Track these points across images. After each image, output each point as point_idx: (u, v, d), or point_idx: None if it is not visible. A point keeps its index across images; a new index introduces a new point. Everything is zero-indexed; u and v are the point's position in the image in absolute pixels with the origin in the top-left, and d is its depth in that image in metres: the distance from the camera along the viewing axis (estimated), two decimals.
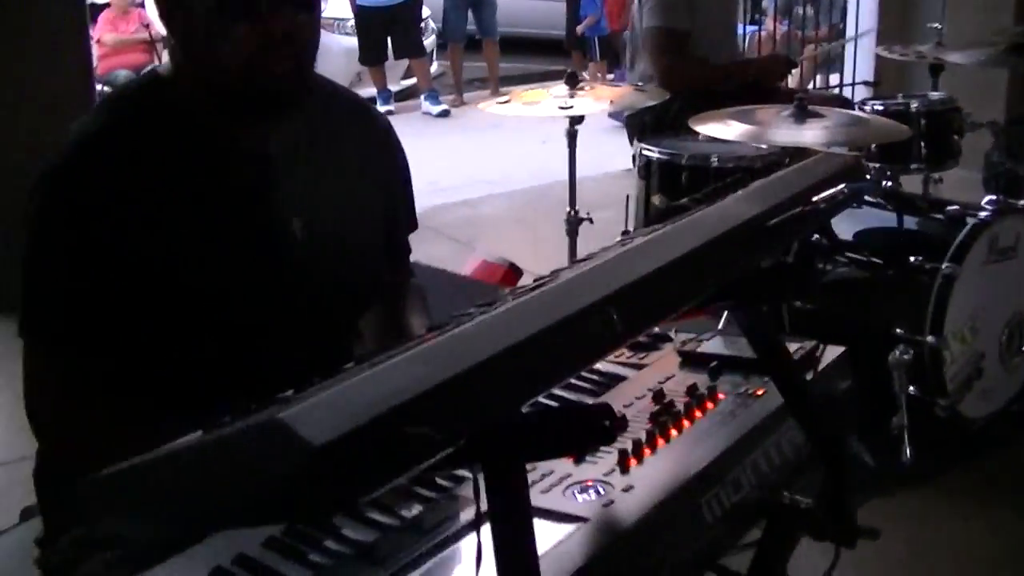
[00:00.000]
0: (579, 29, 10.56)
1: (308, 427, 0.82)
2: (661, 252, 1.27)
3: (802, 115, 3.64)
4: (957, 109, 4.36)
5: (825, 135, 3.58)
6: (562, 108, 3.74)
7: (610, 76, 10.59)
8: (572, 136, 3.91)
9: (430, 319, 2.16)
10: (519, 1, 11.02)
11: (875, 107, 4.34)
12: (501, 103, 3.91)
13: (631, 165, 7.06)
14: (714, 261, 1.36)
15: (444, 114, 9.76)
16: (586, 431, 1.04)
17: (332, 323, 1.97)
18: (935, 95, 4.48)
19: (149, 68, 2.10)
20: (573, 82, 3.86)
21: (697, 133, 4.19)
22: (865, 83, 7.63)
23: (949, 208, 4.03)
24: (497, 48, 10.53)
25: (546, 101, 3.84)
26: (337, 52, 9.72)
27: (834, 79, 8.23)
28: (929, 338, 3.68)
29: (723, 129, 3.66)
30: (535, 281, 1.49)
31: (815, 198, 1.55)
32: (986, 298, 3.78)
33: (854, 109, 5.20)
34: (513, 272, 4.38)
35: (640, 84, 4.11)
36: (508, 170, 7.72)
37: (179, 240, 1.77)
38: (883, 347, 3.55)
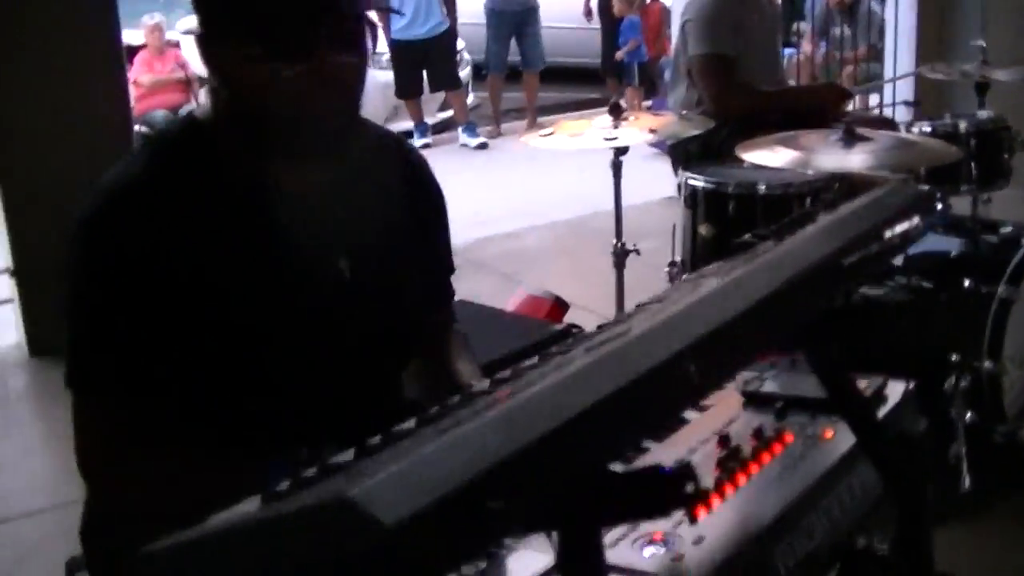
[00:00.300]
0: (619, 55, 10.50)
1: (380, 505, 0.77)
2: (734, 297, 1.21)
3: (850, 139, 3.57)
4: (1007, 128, 4.27)
5: (874, 159, 3.51)
6: (607, 140, 3.69)
7: (647, 103, 10.54)
8: (617, 167, 3.85)
9: (475, 364, 2.12)
10: (552, 30, 10.96)
11: (923, 128, 4.26)
12: (545, 135, 3.86)
13: (673, 193, 7.05)
14: (791, 304, 1.30)
15: (482, 146, 9.71)
16: (669, 496, 0.99)
17: (379, 365, 1.93)
18: (983, 114, 4.39)
19: (186, 111, 2.05)
20: (617, 112, 3.81)
21: (743, 161, 4.15)
22: (906, 103, 7.56)
23: (1003, 229, 3.96)
24: (538, 79, 10.50)
25: (590, 132, 3.79)
26: (373, 86, 9.64)
27: (874, 99, 8.14)
28: (987, 363, 3.62)
29: (770, 156, 3.60)
30: (599, 328, 1.44)
31: (889, 233, 1.49)
32: None
33: (899, 131, 5.14)
34: (559, 306, 4.32)
35: (685, 112, 4.05)
36: (549, 201, 7.67)
37: (225, 285, 1.73)
38: (940, 374, 3.47)
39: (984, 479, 3.34)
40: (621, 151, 3.79)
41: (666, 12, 10.77)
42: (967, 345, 3.65)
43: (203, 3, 1.76)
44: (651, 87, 10.79)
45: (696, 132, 3.82)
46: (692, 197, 4.14)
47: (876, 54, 8.72)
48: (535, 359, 1.39)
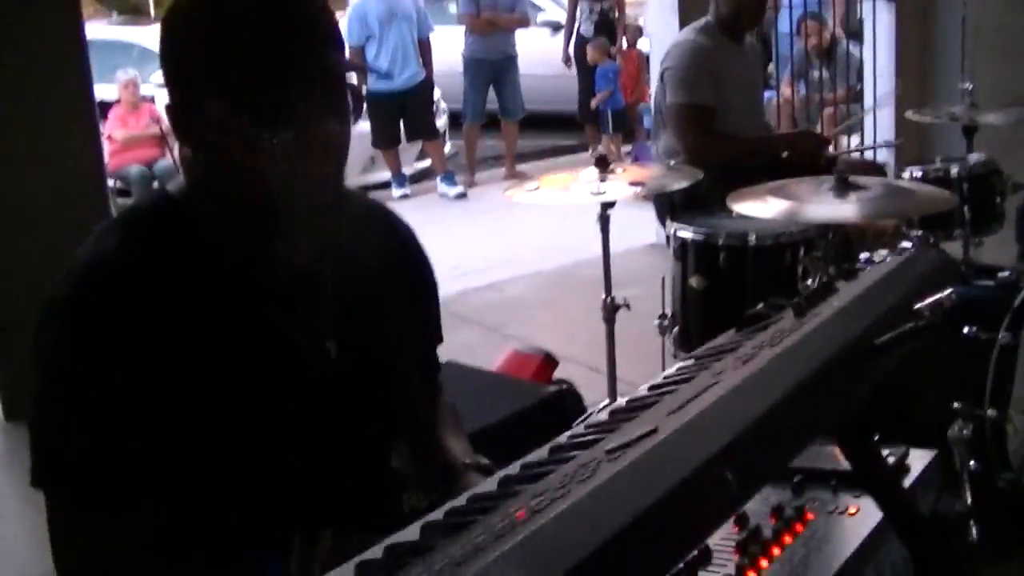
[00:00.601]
0: (594, 103, 10.44)
1: None
2: (765, 388, 1.12)
3: (842, 188, 3.49)
4: (998, 171, 4.22)
5: (869, 208, 3.43)
6: (594, 194, 3.60)
7: (626, 149, 10.50)
8: (604, 221, 3.76)
9: (464, 437, 2.03)
10: (529, 78, 10.89)
11: (914, 173, 4.19)
12: (531, 190, 3.76)
13: (655, 240, 7.01)
14: (826, 393, 1.20)
15: (461, 196, 9.61)
16: None
17: (368, 444, 1.83)
18: (974, 158, 4.33)
19: (161, 170, 1.92)
20: (603, 165, 3.72)
21: (729, 209, 4.07)
22: (887, 144, 7.52)
23: (1000, 274, 3.88)
24: (517, 127, 10.43)
25: (576, 186, 3.70)
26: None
27: (854, 140, 8.09)
28: (990, 411, 3.53)
29: (761, 207, 3.52)
30: (612, 414, 1.33)
31: (918, 305, 1.39)
32: None
33: (887, 176, 5.08)
34: (548, 362, 4.21)
35: (672, 163, 3.97)
36: (530, 251, 7.58)
37: (208, 370, 1.62)
38: (942, 423, 3.39)
39: (991, 530, 3.26)
40: (608, 205, 3.70)
41: (644, 59, 10.77)
42: (968, 392, 3.57)
43: (176, 67, 1.66)
44: (629, 134, 10.73)
45: (684, 184, 3.73)
46: (682, 248, 4.06)
47: (855, 96, 8.69)
48: (545, 454, 1.29)
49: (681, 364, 1.59)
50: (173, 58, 1.66)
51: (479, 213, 9.01)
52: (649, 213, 7.51)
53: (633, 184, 3.64)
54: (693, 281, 3.99)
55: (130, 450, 1.57)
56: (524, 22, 10.33)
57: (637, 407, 1.28)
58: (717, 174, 4.32)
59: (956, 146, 6.91)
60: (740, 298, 3.96)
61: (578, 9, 10.68)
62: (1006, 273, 3.90)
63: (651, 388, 1.42)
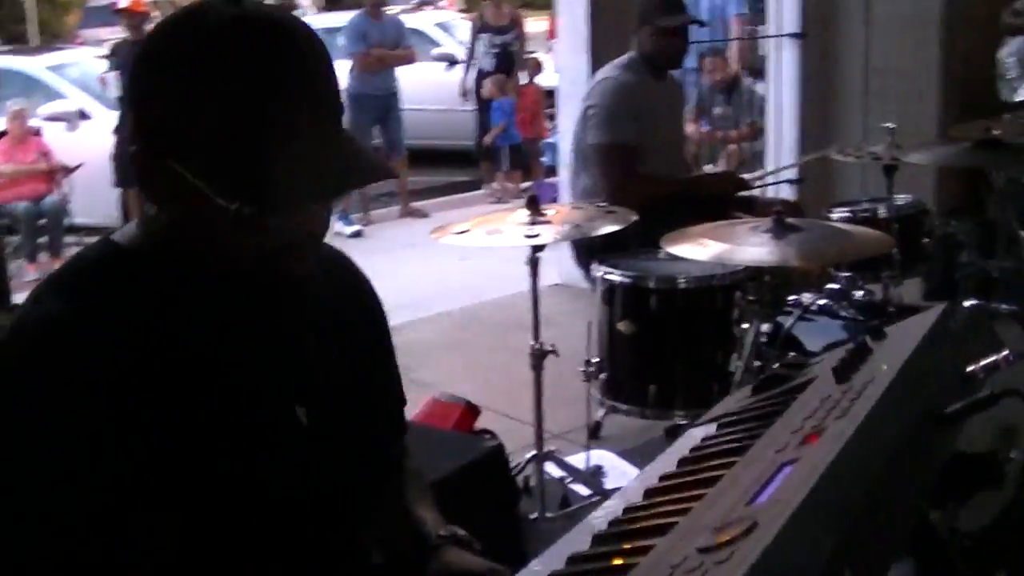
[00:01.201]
0: (487, 138, 10.33)
1: None
2: (856, 468, 0.97)
3: (780, 230, 3.38)
4: (926, 211, 4.16)
5: (810, 250, 3.33)
6: (528, 237, 3.43)
7: (524, 185, 10.40)
8: (534, 264, 3.60)
9: (434, 507, 1.85)
10: (423, 113, 10.74)
11: (843, 214, 4.11)
12: (460, 232, 3.58)
13: (557, 280, 6.86)
14: (913, 468, 1.06)
15: (357, 235, 9.40)
16: None
17: (341, 511, 1.63)
18: (901, 198, 4.26)
19: (102, 238, 1.65)
20: (534, 206, 3.57)
21: (654, 250, 3.94)
22: (789, 182, 7.49)
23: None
24: (405, 163, 10.23)
25: (508, 229, 3.53)
26: None
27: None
28: None
29: (698, 249, 3.39)
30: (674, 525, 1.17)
31: (971, 368, 1.25)
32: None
33: (803, 214, 5.00)
34: (470, 411, 4.04)
35: (605, 205, 3.82)
36: (432, 291, 7.38)
37: (171, 442, 1.41)
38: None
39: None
40: (539, 248, 3.54)
41: (544, 94, 10.69)
42: None
43: (149, 117, 1.42)
44: (526, 170, 10.63)
45: (619, 225, 3.58)
46: (609, 292, 3.91)
47: (757, 133, 8.68)
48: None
49: (705, 433, 1.45)
50: (143, 108, 1.43)
51: (376, 252, 8.78)
52: (548, 254, 7.40)
53: (565, 225, 3.49)
54: (622, 326, 3.85)
55: (86, 531, 1.36)
56: (411, 58, 10.15)
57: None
58: (640, 215, 4.19)
59: (855, 184, 6.98)
60: (671, 343, 3.84)
61: (478, 43, 10.55)
62: None
63: (684, 463, 1.28)
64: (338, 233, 9.38)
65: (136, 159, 1.42)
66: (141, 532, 1.39)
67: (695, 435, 1.50)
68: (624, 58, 4.75)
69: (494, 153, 10.44)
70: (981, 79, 6.89)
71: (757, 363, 3.64)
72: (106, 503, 1.36)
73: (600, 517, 1.24)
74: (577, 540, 1.17)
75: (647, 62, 4.69)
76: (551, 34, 13.74)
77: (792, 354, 3.84)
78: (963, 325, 1.43)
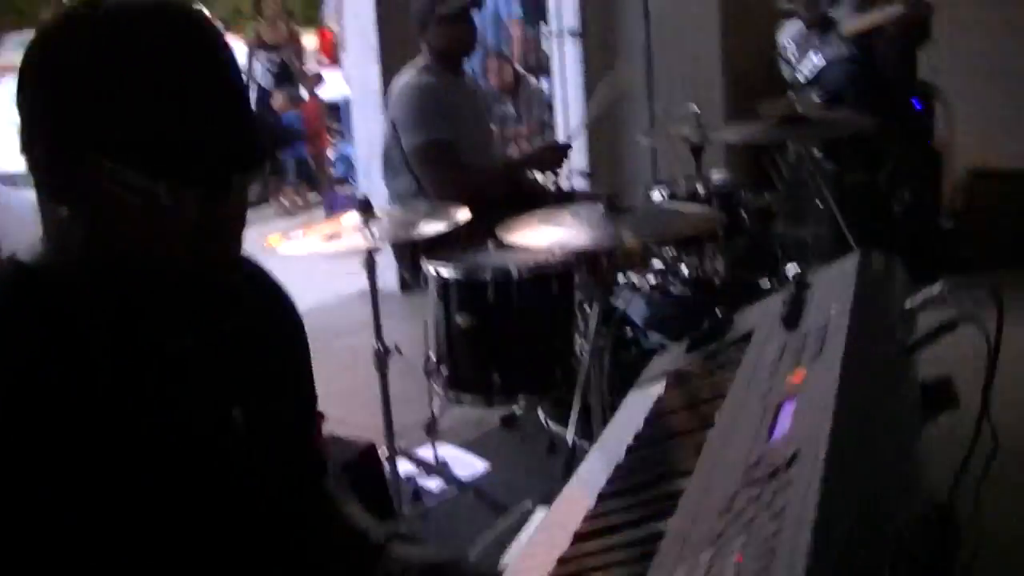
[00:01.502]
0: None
1: None
2: (852, 396, 1.02)
3: (612, 212, 3.46)
4: (739, 186, 4.32)
5: (648, 229, 3.42)
6: (369, 240, 3.42)
7: (314, 197, 10.34)
8: (371, 267, 3.59)
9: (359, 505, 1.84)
10: None
11: (661, 193, 4.23)
12: (293, 240, 3.55)
13: (365, 286, 6.79)
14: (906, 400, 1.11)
15: None
16: None
17: (280, 513, 1.61)
18: (715, 175, 4.42)
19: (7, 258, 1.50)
20: (366, 210, 3.56)
21: (478, 244, 3.99)
22: (582, 173, 7.66)
23: (763, 284, 3.96)
24: None
25: (345, 233, 3.52)
26: (23, 208, 9.04)
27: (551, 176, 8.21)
28: None
29: (534, 236, 3.45)
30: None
31: (910, 304, 1.33)
32: None
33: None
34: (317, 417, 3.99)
35: (434, 204, 3.83)
36: None
37: (110, 456, 1.36)
38: None
39: None
40: (375, 250, 3.54)
41: (324, 107, 10.66)
42: None
43: (56, 114, 1.36)
44: (314, 183, 10.56)
45: (454, 223, 3.61)
46: (443, 288, 3.92)
47: (542, 129, 8.83)
48: None
49: (658, 392, 1.49)
50: (51, 102, 1.35)
51: None
52: (348, 261, 7.37)
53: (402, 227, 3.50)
54: (460, 319, 3.86)
55: (34, 546, 1.31)
56: None
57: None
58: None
59: (645, 169, 7.16)
60: (510, 332, 3.88)
61: (255, 62, 10.42)
62: (765, 283, 3.99)
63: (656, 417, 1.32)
64: None
65: (40, 164, 1.37)
66: (81, 543, 1.35)
67: (649, 394, 1.53)
68: (417, 63, 4.74)
69: (282, 167, 10.33)
70: (762, 62, 7.17)
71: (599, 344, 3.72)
72: (42, 515, 1.31)
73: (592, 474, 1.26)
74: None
75: (441, 59, 4.70)
76: (323, 49, 13.70)
77: (629, 330, 3.96)
78: (882, 269, 1.51)
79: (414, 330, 6.22)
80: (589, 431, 3.67)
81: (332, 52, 12.79)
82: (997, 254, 6.12)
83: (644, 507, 1.12)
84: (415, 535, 1.72)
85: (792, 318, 1.38)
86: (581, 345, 3.81)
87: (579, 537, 1.15)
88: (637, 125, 7.90)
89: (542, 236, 3.45)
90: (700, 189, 4.19)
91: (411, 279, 4.64)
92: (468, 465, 4.18)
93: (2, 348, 1.34)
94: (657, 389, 1.54)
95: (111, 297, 1.41)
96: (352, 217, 3.61)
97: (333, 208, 8.77)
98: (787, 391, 1.13)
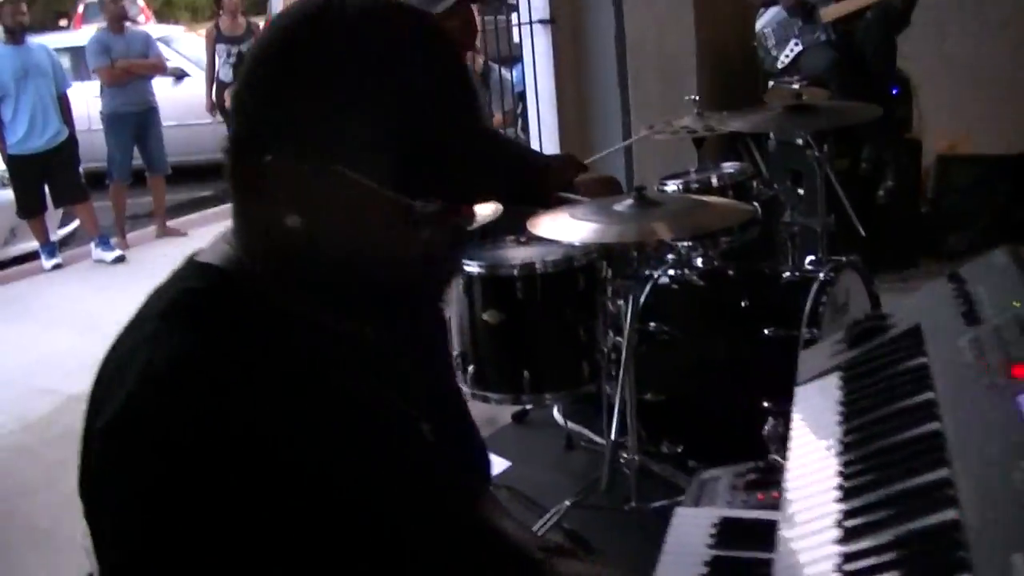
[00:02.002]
0: None
1: None
2: None
3: (643, 205, 3.49)
4: (754, 176, 4.36)
5: (676, 224, 3.44)
6: None
7: None
8: None
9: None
10: (177, 128, 10.48)
11: (676, 185, 4.26)
12: None
13: None
14: None
15: (119, 260, 9.04)
16: None
17: (449, 531, 1.51)
18: (728, 165, 4.46)
19: (193, 262, 1.41)
20: None
21: (499, 239, 4.01)
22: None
23: (786, 275, 4.01)
24: (164, 182, 9.95)
25: None
26: None
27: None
28: None
29: (569, 230, 3.46)
30: None
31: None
32: None
33: (622, 189, 5.15)
34: None
35: None
36: None
37: (320, 481, 1.30)
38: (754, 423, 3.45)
39: None
40: None
41: None
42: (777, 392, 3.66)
43: (303, 119, 1.28)
44: None
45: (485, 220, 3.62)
46: (469, 284, 3.93)
47: (514, 119, 8.85)
48: None
49: (836, 384, 1.53)
50: (298, 108, 1.28)
51: (143, 276, 8.40)
52: None
53: None
54: (487, 316, 3.88)
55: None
56: (160, 67, 9.86)
57: None
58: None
59: (618, 166, 7.18)
60: (539, 328, 3.90)
61: (216, 55, 10.33)
62: (788, 273, 4.03)
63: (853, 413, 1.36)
64: (98, 260, 9.02)
65: (272, 169, 1.29)
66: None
67: (820, 388, 1.57)
68: None
69: None
70: (740, 51, 7.22)
71: (618, 339, 3.76)
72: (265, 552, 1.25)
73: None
74: None
75: None
76: None
77: (653, 324, 3.99)
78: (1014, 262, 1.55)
79: None
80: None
81: None
82: (971, 238, 6.29)
83: (899, 504, 1.15)
84: (575, 549, 1.70)
85: (971, 314, 1.42)
86: (607, 340, 3.84)
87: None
88: (608, 118, 7.96)
89: (570, 230, 3.47)
90: (715, 181, 4.23)
91: None
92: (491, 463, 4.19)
93: (225, 349, 1.30)
94: (830, 382, 1.57)
95: (321, 303, 1.37)
96: None
97: None
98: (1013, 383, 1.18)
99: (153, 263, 8.76)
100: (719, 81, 7.05)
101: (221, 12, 10.39)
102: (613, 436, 3.73)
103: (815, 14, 6.57)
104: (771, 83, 6.64)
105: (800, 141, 4.98)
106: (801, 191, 5.14)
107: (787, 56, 6.65)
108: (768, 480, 1.85)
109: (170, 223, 10.06)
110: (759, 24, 6.89)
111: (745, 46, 7.17)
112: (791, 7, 6.64)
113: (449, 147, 1.28)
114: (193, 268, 1.42)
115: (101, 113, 9.48)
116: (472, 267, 3.92)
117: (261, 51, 1.34)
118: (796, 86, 5.81)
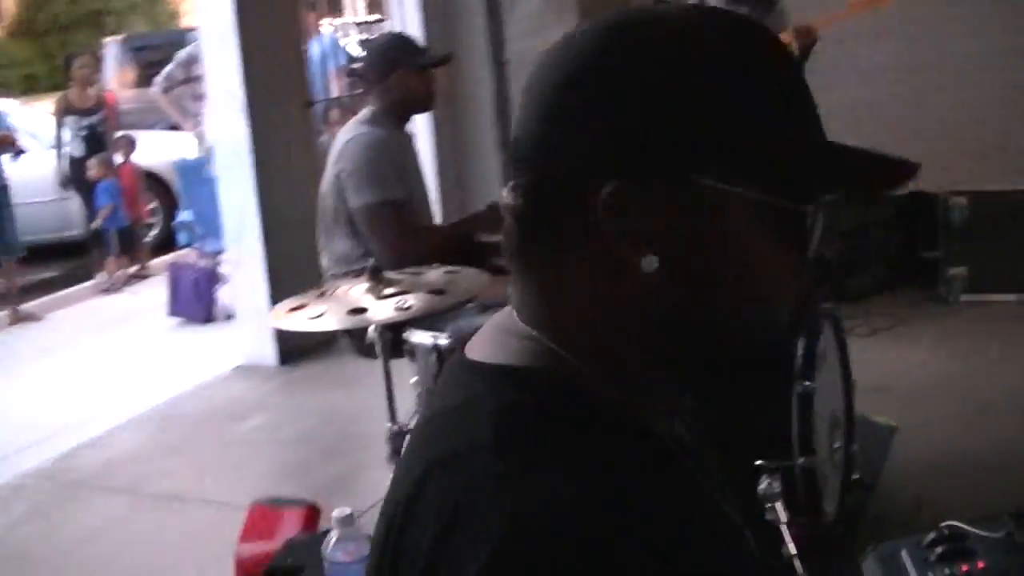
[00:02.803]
0: (94, 223, 9.68)
1: None
2: None
3: None
4: None
5: None
6: (399, 309, 3.19)
7: (132, 271, 9.88)
8: (385, 342, 3.36)
9: None
10: (26, 206, 9.90)
11: None
12: (313, 318, 3.26)
13: (242, 361, 6.43)
14: None
15: None
16: None
17: None
18: None
19: (500, 370, 1.12)
20: (376, 275, 3.33)
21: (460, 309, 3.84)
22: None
23: None
24: (14, 265, 9.38)
25: (368, 303, 3.28)
26: None
27: None
28: (800, 460, 3.53)
29: None
30: None
31: None
32: (819, 407, 3.69)
33: None
34: (314, 512, 3.75)
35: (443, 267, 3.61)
36: (107, 392, 6.76)
37: None
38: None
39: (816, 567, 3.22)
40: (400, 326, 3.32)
41: (141, 174, 10.22)
42: (772, 448, 3.55)
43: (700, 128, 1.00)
44: (132, 255, 10.04)
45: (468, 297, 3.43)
46: (439, 357, 3.71)
47: None
48: None
49: None
50: (663, 120, 1.00)
51: (19, 359, 7.90)
52: (229, 334, 7.07)
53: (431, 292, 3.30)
54: None
55: None
56: (9, 140, 9.39)
57: None
58: None
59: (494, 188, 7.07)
60: None
61: (63, 129, 9.87)
62: None
63: None
64: None
65: (617, 199, 1.00)
66: None
67: None
68: (365, 112, 4.52)
69: (103, 239, 9.80)
70: None
71: None
72: None
73: None
74: None
75: (394, 111, 4.48)
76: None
77: None
78: None
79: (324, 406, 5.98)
80: None
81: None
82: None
83: None
84: None
85: None
86: None
87: None
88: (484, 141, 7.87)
89: None
90: None
91: (361, 350, 4.34)
92: None
93: (629, 489, 1.00)
94: None
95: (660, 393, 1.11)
96: (360, 287, 3.36)
97: (178, 281, 8.25)
98: None
99: (26, 342, 8.42)
100: None
101: (71, 83, 9.94)
102: None
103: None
104: None
105: None
106: None
107: None
108: (958, 549, 1.67)
109: (22, 308, 9.47)
110: None
111: None
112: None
113: (815, 149, 1.06)
114: (495, 377, 1.09)
115: None
116: (440, 339, 3.71)
117: (573, 70, 1.05)
118: None
